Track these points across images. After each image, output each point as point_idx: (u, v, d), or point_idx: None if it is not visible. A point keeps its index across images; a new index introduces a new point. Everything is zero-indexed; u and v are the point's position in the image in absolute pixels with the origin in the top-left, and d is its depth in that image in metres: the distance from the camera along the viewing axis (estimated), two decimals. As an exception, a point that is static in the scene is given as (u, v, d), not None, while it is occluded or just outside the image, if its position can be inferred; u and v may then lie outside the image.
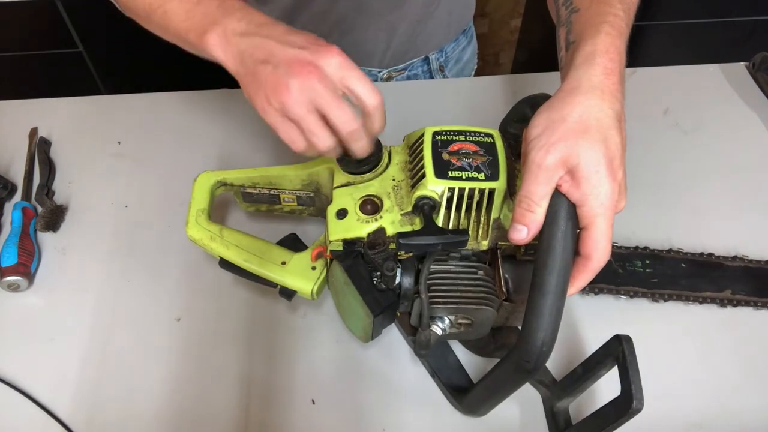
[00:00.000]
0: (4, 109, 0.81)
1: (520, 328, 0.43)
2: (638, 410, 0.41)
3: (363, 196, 0.52)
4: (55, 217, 0.69)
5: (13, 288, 0.62)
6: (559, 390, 0.51)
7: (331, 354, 0.59)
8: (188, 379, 0.58)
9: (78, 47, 1.53)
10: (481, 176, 0.48)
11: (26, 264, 0.63)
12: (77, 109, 0.81)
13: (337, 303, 0.58)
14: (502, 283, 0.51)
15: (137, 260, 0.66)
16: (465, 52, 0.97)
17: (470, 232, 0.50)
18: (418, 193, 0.48)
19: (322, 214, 0.62)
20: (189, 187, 0.60)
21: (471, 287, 0.50)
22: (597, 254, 0.43)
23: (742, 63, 0.85)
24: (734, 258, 0.63)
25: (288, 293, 0.56)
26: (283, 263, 0.56)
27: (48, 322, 0.61)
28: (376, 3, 0.79)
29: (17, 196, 0.72)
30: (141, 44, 1.63)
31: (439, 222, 0.50)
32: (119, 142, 0.77)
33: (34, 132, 0.77)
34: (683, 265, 0.63)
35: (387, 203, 0.51)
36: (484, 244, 0.51)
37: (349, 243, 0.51)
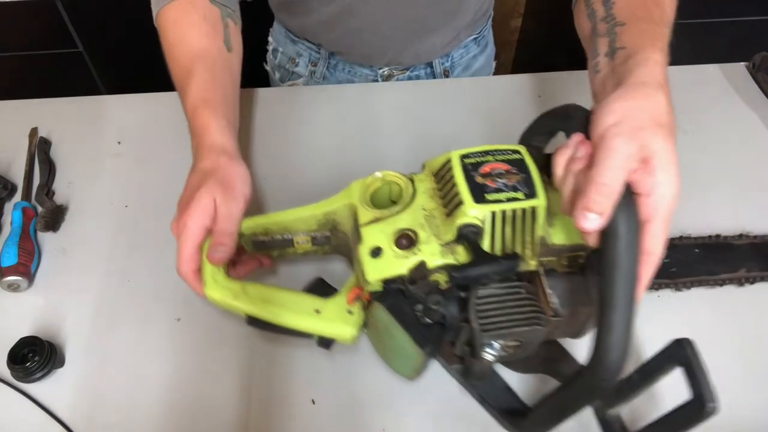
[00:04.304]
0: (4, 109, 0.82)
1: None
2: (713, 413, 0.40)
3: (396, 231, 0.49)
4: (55, 217, 0.69)
5: (13, 288, 0.62)
6: (613, 397, 0.49)
7: (331, 354, 0.59)
8: (188, 379, 0.58)
9: (78, 47, 1.53)
10: (520, 195, 0.46)
11: (26, 264, 0.63)
12: (77, 109, 0.81)
13: (377, 345, 0.55)
14: (549, 299, 0.49)
15: (137, 260, 0.66)
16: (476, 61, 0.94)
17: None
18: (460, 221, 0.46)
19: (338, 251, 0.59)
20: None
21: (518, 308, 0.48)
22: (658, 249, 0.43)
23: (742, 63, 0.85)
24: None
25: (327, 342, 0.53)
26: (317, 311, 0.52)
27: (48, 322, 0.62)
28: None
29: (17, 196, 0.72)
30: (141, 44, 1.63)
31: (484, 248, 0.48)
32: (119, 142, 0.77)
33: (34, 132, 0.77)
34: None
35: (422, 235, 0.48)
36: (533, 264, 0.49)
37: (388, 281, 0.48)
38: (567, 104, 0.49)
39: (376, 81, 0.89)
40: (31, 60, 1.55)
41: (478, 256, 0.46)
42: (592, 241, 0.43)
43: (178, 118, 0.80)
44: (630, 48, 0.48)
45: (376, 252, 0.48)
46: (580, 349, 0.55)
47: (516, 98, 0.81)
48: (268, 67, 0.97)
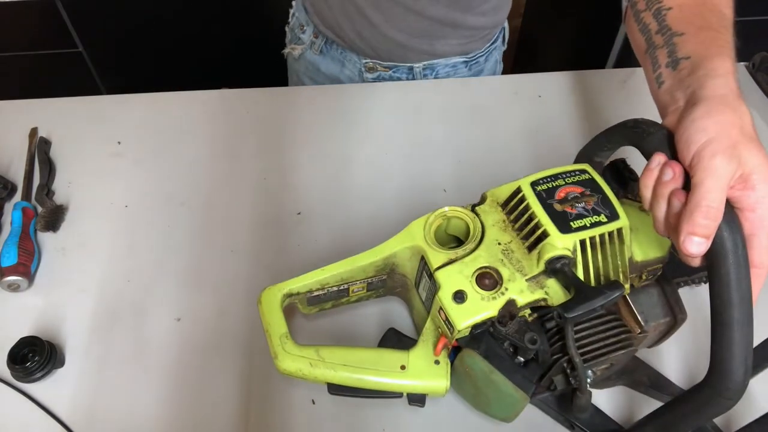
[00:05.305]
0: (4, 109, 0.82)
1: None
2: None
3: (476, 271, 0.47)
4: (55, 217, 0.69)
5: (13, 288, 0.62)
6: None
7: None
8: (188, 379, 0.58)
9: (78, 47, 1.53)
10: (603, 218, 0.45)
11: (26, 264, 0.63)
12: (77, 109, 0.81)
13: (465, 391, 0.52)
14: (637, 317, 0.49)
15: (137, 260, 0.66)
16: None
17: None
18: (549, 254, 0.45)
19: (392, 292, 0.58)
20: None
21: (609, 332, 0.48)
22: (767, 260, 0.42)
23: (742, 63, 0.85)
24: None
25: (419, 398, 0.50)
26: (403, 367, 0.49)
27: (48, 322, 0.62)
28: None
29: (17, 196, 0.72)
30: (141, 44, 1.63)
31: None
32: (119, 142, 0.77)
33: (34, 132, 0.77)
34: None
35: (505, 272, 0.46)
36: (627, 288, 0.47)
37: (477, 326, 0.46)
38: (636, 119, 0.46)
39: (362, 72, 0.89)
40: (31, 60, 1.55)
41: (582, 290, 0.44)
42: (696, 263, 0.42)
43: (179, 118, 0.80)
44: (695, 57, 0.47)
45: (459, 296, 0.46)
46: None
47: (516, 98, 0.81)
48: (287, 28, 1.00)
